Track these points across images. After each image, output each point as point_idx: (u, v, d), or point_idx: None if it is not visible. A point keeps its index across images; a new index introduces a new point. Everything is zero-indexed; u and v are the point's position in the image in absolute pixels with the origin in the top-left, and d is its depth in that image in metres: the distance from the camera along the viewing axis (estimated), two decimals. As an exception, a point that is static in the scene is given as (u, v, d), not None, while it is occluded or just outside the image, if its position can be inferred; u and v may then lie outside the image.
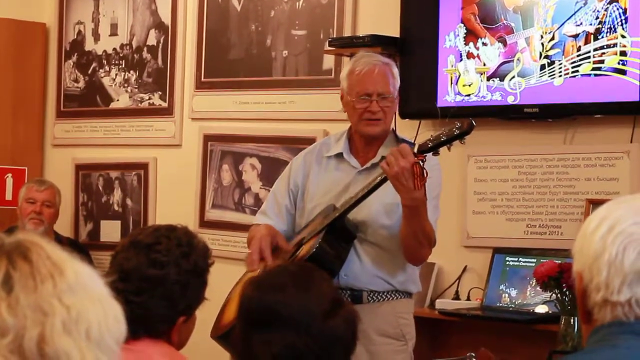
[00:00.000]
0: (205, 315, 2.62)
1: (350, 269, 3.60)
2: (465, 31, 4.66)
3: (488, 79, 4.60)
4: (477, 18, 4.63)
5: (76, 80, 6.36)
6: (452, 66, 4.69)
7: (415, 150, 3.36)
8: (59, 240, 5.57)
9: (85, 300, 1.24)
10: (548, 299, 3.99)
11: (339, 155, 3.72)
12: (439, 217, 3.68)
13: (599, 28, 4.28)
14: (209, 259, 2.53)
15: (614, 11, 4.25)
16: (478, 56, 4.63)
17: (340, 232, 3.59)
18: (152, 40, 5.99)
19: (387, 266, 3.63)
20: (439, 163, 3.59)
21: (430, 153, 3.36)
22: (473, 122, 3.32)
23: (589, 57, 4.31)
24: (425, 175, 3.34)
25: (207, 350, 3.88)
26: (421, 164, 3.33)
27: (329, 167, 3.74)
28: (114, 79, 6.17)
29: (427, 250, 3.58)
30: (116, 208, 6.12)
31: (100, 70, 6.24)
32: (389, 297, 3.65)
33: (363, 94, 3.60)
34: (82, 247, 5.79)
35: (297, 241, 3.67)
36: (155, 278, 2.41)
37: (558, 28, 4.40)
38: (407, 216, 3.45)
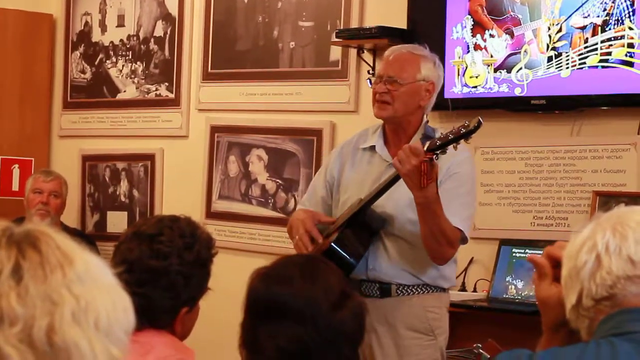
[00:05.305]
0: (209, 306, 2.61)
1: (377, 262, 3.59)
2: (472, 23, 4.65)
3: (495, 70, 4.59)
4: (485, 10, 4.62)
5: (83, 72, 6.36)
6: (459, 58, 4.68)
7: (425, 148, 3.34)
8: (66, 231, 5.56)
9: (94, 291, 1.24)
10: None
11: (373, 148, 3.71)
12: (473, 214, 3.65)
13: (606, 20, 4.28)
14: (213, 250, 2.51)
15: (621, 3, 4.24)
16: (485, 48, 4.62)
17: (360, 226, 3.57)
18: (159, 32, 5.98)
19: (414, 261, 3.58)
20: (469, 157, 3.56)
21: (438, 152, 3.34)
22: (481, 120, 3.30)
23: (596, 49, 4.30)
24: (434, 173, 3.33)
25: (211, 341, 3.89)
26: (429, 162, 3.31)
27: (363, 159, 3.72)
28: (121, 70, 6.17)
29: (447, 249, 3.51)
30: (123, 199, 6.12)
31: (107, 61, 6.24)
32: (418, 290, 3.61)
33: (376, 76, 3.67)
34: (89, 238, 5.79)
35: (325, 234, 3.66)
36: (158, 269, 2.41)
37: (565, 20, 4.39)
38: (421, 214, 3.42)
